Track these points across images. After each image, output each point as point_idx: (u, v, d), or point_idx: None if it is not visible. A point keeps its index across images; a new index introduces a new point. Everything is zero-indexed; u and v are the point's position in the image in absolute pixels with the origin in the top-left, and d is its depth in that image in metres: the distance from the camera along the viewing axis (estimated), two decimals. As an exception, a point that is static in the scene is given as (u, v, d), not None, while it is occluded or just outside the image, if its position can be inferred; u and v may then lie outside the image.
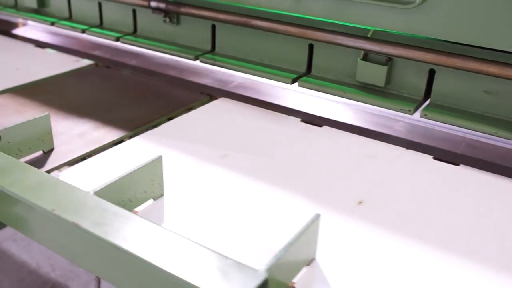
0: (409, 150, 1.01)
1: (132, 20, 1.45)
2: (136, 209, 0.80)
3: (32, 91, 1.27)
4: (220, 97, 1.25)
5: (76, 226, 0.64)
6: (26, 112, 1.14)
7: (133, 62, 1.50)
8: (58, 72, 1.39)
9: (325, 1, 1.08)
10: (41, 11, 1.65)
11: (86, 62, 1.47)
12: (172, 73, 1.43)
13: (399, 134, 1.11)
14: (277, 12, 1.16)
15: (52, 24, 1.58)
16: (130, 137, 1.05)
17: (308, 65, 1.20)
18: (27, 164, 0.78)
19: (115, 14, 1.49)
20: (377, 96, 1.09)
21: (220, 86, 1.33)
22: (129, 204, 0.78)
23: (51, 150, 0.98)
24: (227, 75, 1.41)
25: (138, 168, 0.78)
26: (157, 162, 0.81)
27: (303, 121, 1.14)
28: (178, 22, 1.35)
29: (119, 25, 1.49)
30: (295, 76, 1.18)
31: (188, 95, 1.28)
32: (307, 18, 1.14)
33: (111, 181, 0.74)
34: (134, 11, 1.44)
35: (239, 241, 0.75)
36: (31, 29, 1.83)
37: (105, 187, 0.73)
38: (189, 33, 1.35)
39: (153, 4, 1.32)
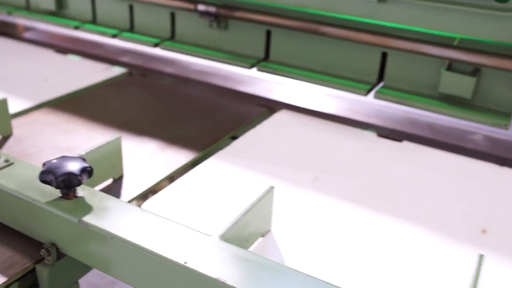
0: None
1: (170, 24, 1.33)
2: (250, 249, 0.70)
3: (71, 105, 1.13)
4: (279, 109, 1.15)
5: (220, 283, 0.53)
6: (76, 131, 1.01)
7: (169, 69, 1.38)
8: (91, 82, 1.25)
9: (409, 8, 1.00)
10: (59, 13, 1.51)
11: (117, 70, 1.35)
12: (217, 82, 1.32)
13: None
14: (347, 18, 1.07)
15: (76, 28, 1.44)
16: (201, 158, 0.94)
17: (379, 74, 1.11)
18: (127, 203, 0.67)
19: (149, 17, 1.36)
20: (464, 109, 1.02)
21: (276, 97, 1.23)
22: (245, 245, 0.68)
23: (121, 177, 0.86)
24: (276, 84, 1.31)
25: (256, 203, 0.68)
26: (269, 195, 0.71)
27: (380, 135, 1.06)
28: (226, 27, 1.24)
29: (153, 29, 1.37)
30: (368, 87, 1.09)
31: (244, 108, 1.17)
32: (382, 25, 1.05)
33: (234, 222, 0.64)
34: (172, 15, 1.32)
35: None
36: (47, 33, 1.68)
37: (228, 229, 0.63)
38: (239, 39, 1.24)
39: (201, 8, 1.21)
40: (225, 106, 1.18)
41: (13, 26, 1.73)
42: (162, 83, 1.30)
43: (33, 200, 0.65)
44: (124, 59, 1.45)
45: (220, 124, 1.08)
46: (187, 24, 1.31)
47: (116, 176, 0.85)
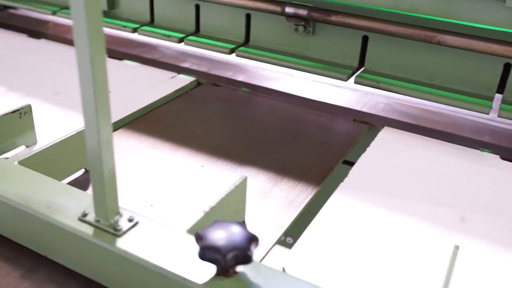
0: None
1: (245, 27, 1.19)
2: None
3: (150, 123, 1.00)
4: (380, 126, 1.02)
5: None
6: (167, 161, 0.87)
7: (241, 77, 1.24)
8: (160, 93, 1.12)
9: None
10: (110, 14, 1.36)
11: (185, 78, 1.21)
12: (301, 93, 1.18)
13: None
14: (470, 25, 0.94)
15: (135, 30, 1.29)
16: (321, 193, 0.81)
17: (499, 87, 0.98)
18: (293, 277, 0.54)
19: (218, 20, 1.22)
20: None
21: (373, 111, 1.10)
22: None
23: (242, 223, 0.74)
24: (370, 95, 1.17)
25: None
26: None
27: (503, 158, 0.93)
28: (313, 32, 1.11)
29: (222, 32, 1.22)
30: (489, 103, 0.97)
31: (342, 124, 1.04)
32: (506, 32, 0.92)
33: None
34: (248, 17, 1.18)
35: None
36: None
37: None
38: (329, 46, 1.10)
39: (289, 10, 1.07)
40: (321, 122, 1.04)
41: (56, 27, 1.57)
42: (240, 94, 1.16)
43: (184, 280, 0.52)
44: (186, 65, 1.31)
45: (327, 145, 0.95)
46: (264, 28, 1.17)
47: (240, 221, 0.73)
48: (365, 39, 1.07)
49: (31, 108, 0.88)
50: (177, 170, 0.86)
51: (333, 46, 1.10)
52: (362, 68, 1.09)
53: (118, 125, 0.99)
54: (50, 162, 0.76)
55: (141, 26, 1.30)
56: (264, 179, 0.84)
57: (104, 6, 1.33)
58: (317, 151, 0.94)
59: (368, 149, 0.94)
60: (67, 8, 1.41)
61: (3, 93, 1.10)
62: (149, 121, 1.02)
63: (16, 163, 0.72)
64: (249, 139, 0.97)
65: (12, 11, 1.69)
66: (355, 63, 1.09)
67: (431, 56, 1.01)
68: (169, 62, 1.32)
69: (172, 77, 1.22)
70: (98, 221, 0.58)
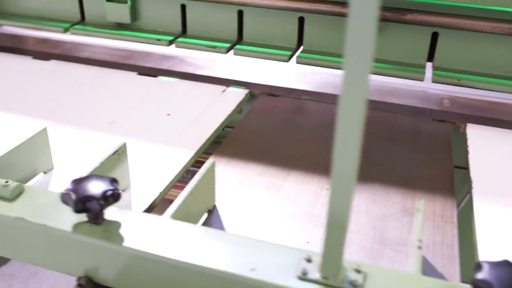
0: None
1: (297, 31, 1.12)
2: None
3: (239, 147, 0.91)
4: (460, 123, 1.01)
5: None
6: (302, 189, 0.80)
7: (305, 86, 1.17)
8: (225, 110, 1.02)
9: None
10: (132, 26, 1.23)
11: (237, 91, 1.12)
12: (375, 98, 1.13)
13: None
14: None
15: (170, 43, 1.18)
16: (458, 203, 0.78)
17: None
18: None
19: (266, 26, 1.14)
20: None
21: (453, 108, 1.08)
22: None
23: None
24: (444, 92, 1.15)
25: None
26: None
27: None
28: (379, 32, 1.06)
29: (272, 39, 1.14)
30: None
31: (427, 125, 1.01)
32: None
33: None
34: (301, 20, 1.11)
35: None
36: (118, 51, 1.38)
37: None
38: (397, 45, 1.06)
39: (358, 12, 1.01)
40: (405, 125, 1.01)
41: (69, 45, 1.41)
42: (304, 102, 1.09)
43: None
44: (230, 76, 1.22)
45: (428, 150, 0.92)
46: (320, 30, 1.11)
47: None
48: (434, 36, 1.04)
49: (126, 147, 0.77)
50: (308, 197, 0.79)
51: (400, 46, 1.06)
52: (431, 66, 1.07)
53: (204, 152, 0.89)
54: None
55: (175, 37, 1.19)
56: (398, 195, 0.79)
57: (127, 19, 1.20)
58: (423, 157, 0.90)
59: (469, 149, 0.92)
60: (78, 23, 1.26)
61: (59, 131, 0.96)
62: (236, 145, 0.93)
63: (169, 218, 0.61)
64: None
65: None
66: (423, 61, 1.06)
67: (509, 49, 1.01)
68: (211, 75, 1.22)
69: (223, 91, 1.12)
70: (326, 278, 0.50)
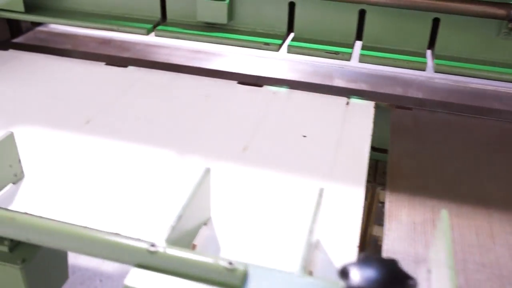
0: None
1: (429, 36, 0.98)
2: None
3: (408, 178, 0.76)
4: None
5: None
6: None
7: (438, 97, 1.04)
8: (364, 129, 0.88)
9: None
10: (225, 27, 1.06)
11: (362, 103, 0.97)
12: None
13: None
14: None
15: (279, 47, 1.01)
16: None
17: None
18: None
19: (387, 25, 0.99)
20: None
21: None
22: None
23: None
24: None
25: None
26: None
27: None
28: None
29: (400, 43, 1.00)
30: None
31: None
32: None
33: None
34: (436, 21, 0.97)
35: None
36: (188, 53, 1.21)
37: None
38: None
39: (519, 13, 0.88)
40: None
41: (140, 47, 1.23)
42: (442, 116, 0.96)
43: None
44: (342, 84, 1.07)
45: None
46: (457, 34, 0.96)
47: None
48: None
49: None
50: None
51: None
52: None
53: (370, 185, 0.75)
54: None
55: (283, 40, 1.03)
56: None
57: (223, 18, 1.03)
58: None
59: None
60: (159, 23, 1.09)
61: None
62: (406, 175, 0.78)
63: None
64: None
65: (42, 28, 1.30)
66: None
67: None
68: (321, 83, 1.07)
69: (347, 104, 0.98)
70: None
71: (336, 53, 0.98)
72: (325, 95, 1.01)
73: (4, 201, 0.67)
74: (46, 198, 0.69)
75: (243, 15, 1.05)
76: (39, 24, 1.31)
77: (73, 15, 1.11)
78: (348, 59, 0.98)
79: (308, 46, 1.00)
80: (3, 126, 0.85)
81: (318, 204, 0.58)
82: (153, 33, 1.08)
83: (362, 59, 0.97)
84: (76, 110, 0.92)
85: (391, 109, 0.97)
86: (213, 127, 0.88)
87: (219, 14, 1.03)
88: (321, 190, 0.60)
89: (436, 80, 1.11)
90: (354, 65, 1.14)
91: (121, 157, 0.79)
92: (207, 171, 0.62)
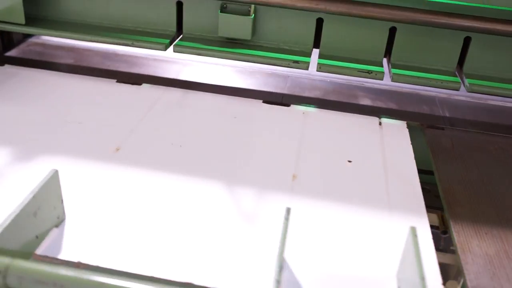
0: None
1: (461, 51, 0.97)
2: None
3: (462, 211, 0.75)
4: None
5: None
6: None
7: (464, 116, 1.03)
8: (407, 152, 0.86)
9: None
10: (248, 43, 1.00)
11: (394, 123, 0.95)
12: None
13: None
14: None
15: (307, 65, 0.97)
16: None
17: None
18: None
19: (417, 44, 0.97)
20: None
21: None
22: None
23: None
24: None
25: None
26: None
27: None
28: None
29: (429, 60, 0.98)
30: None
31: None
32: None
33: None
34: (467, 40, 0.96)
35: None
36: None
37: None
38: None
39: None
40: None
41: (147, 62, 1.14)
42: (478, 136, 0.95)
43: None
44: (367, 102, 1.05)
45: None
46: (487, 52, 0.96)
47: None
48: None
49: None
50: None
51: None
52: None
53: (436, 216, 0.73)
54: None
55: (305, 56, 0.99)
56: None
57: (247, 34, 0.98)
58: None
59: None
60: (174, 38, 1.02)
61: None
62: (456, 203, 0.76)
63: None
64: None
65: (34, 40, 1.20)
66: None
67: None
68: (348, 102, 1.04)
69: (380, 124, 0.95)
70: None
71: (369, 72, 0.95)
72: (355, 114, 0.98)
73: (52, 250, 0.59)
74: (92, 242, 0.62)
75: (266, 31, 1.00)
76: (30, 35, 1.20)
77: (79, 28, 1.02)
78: (381, 78, 0.96)
79: (339, 65, 0.97)
80: (24, 157, 0.76)
81: (416, 244, 0.55)
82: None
83: (396, 78, 0.95)
84: (100, 136, 0.84)
85: (424, 129, 0.96)
86: (254, 154, 0.83)
87: (243, 30, 0.98)
88: (414, 230, 0.57)
89: (456, 97, 1.10)
90: (372, 82, 1.13)
91: (164, 191, 0.72)
92: (287, 211, 0.58)
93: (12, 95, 0.94)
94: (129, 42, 1.00)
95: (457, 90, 0.95)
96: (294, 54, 0.99)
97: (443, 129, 0.97)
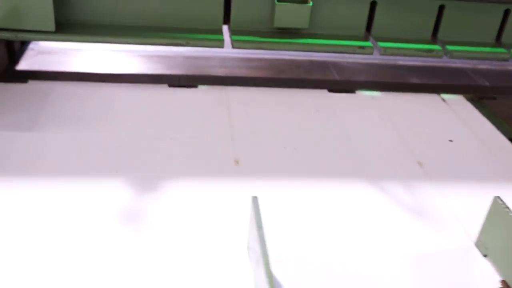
0: None
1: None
2: None
3: None
4: None
5: None
6: None
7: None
8: (491, 128, 0.90)
9: None
10: (303, 32, 0.96)
11: (454, 98, 0.99)
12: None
13: None
14: None
15: (371, 50, 0.95)
16: None
17: None
18: None
19: (465, 20, 1.00)
20: None
21: None
22: None
23: None
24: None
25: None
26: None
27: None
28: None
29: None
30: None
31: None
32: None
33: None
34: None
35: None
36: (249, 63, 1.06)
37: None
38: None
39: None
40: None
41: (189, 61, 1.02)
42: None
43: None
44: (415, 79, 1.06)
45: None
46: None
47: None
48: None
49: None
50: None
51: None
52: None
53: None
54: None
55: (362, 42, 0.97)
56: None
57: (305, 23, 0.94)
58: None
59: None
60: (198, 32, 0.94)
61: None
62: None
63: None
64: None
65: (32, 46, 1.02)
66: None
67: None
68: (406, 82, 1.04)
69: (444, 101, 0.98)
70: None
71: (430, 51, 0.97)
72: (415, 93, 1.00)
73: None
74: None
75: (319, 18, 0.97)
76: (27, 42, 1.03)
77: (116, 30, 0.90)
78: (442, 56, 0.98)
79: (402, 46, 0.97)
80: (146, 188, 0.66)
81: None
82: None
83: (454, 54, 0.98)
84: (206, 148, 0.75)
85: (480, 101, 1.01)
86: (359, 149, 0.81)
87: (300, 19, 0.94)
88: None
89: (480, 66, 1.17)
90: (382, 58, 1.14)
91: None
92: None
93: (68, 117, 0.80)
94: (184, 42, 0.90)
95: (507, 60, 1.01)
96: (345, 39, 0.97)
97: (495, 98, 1.03)
